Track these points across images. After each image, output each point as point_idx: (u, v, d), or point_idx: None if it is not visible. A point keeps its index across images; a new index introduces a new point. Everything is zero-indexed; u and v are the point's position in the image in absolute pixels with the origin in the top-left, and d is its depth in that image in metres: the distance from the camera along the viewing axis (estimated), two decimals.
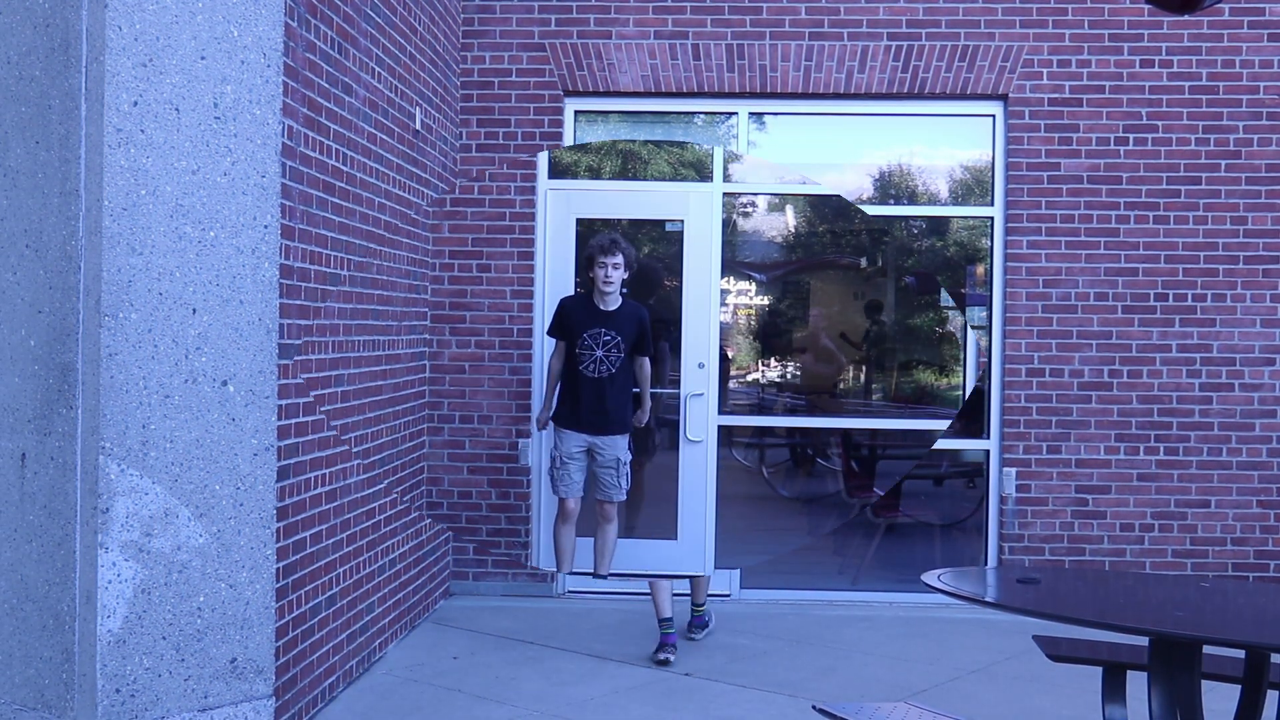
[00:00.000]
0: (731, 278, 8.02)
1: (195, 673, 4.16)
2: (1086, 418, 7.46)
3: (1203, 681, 3.82)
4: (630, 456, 6.67)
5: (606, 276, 6.44)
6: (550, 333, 6.83)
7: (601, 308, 6.54)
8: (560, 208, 7.67)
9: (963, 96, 7.56)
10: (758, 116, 7.79)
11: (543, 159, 7.66)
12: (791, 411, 8.25)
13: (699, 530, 7.63)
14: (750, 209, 8.18)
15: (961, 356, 7.67)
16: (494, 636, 6.61)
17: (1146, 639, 3.65)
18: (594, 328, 6.51)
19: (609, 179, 7.87)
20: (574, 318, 6.58)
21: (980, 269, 7.83)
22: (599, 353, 6.51)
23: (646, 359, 6.73)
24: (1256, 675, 3.89)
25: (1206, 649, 3.75)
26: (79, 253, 4.06)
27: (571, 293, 7.29)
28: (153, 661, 4.08)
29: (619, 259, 6.45)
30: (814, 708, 4.19)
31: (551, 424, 6.75)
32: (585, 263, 6.53)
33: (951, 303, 7.79)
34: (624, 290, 6.70)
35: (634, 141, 7.92)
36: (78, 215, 4.05)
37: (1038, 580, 4.18)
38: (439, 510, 7.58)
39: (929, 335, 8.10)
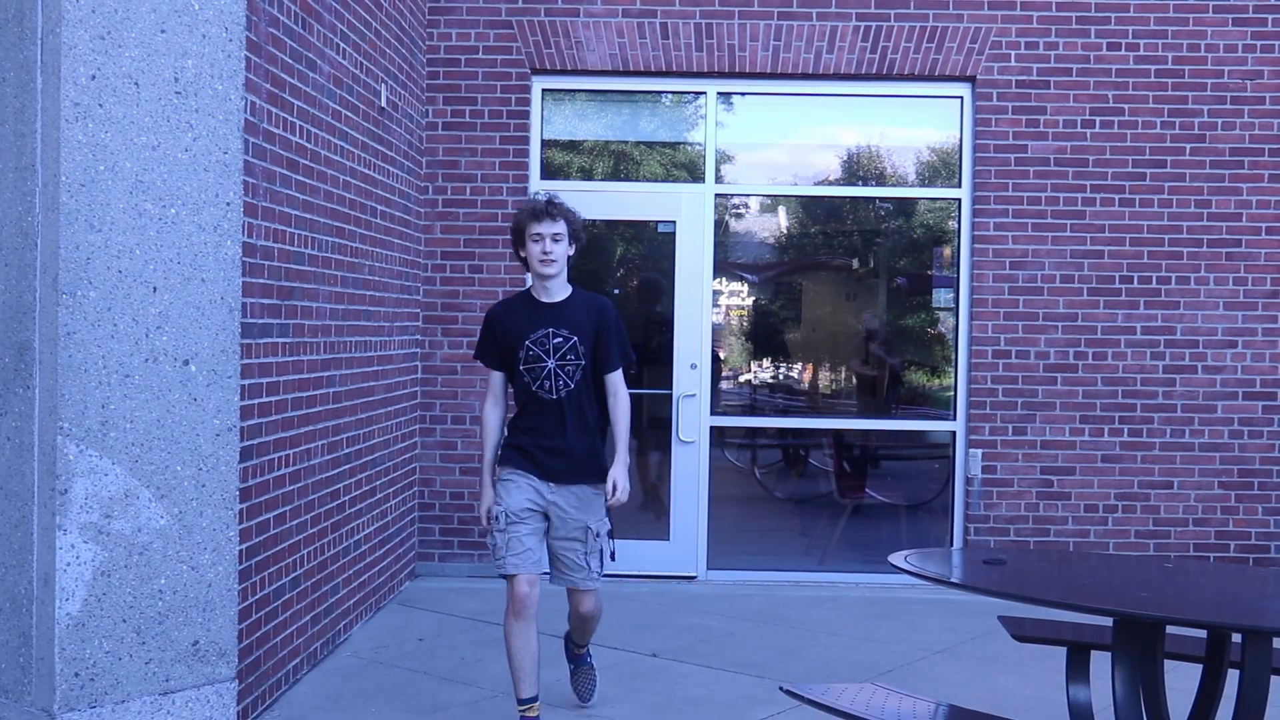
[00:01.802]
0: (723, 278, 8.00)
1: (156, 656, 4.11)
2: (1052, 400, 7.50)
3: (1165, 661, 3.85)
4: (609, 525, 4.71)
5: (545, 252, 4.58)
6: (479, 356, 4.83)
7: (545, 300, 4.68)
8: None
9: (931, 78, 7.56)
10: (726, 97, 7.77)
11: (534, 158, 7.62)
12: (784, 412, 8.25)
13: (691, 531, 7.63)
14: (742, 210, 8.15)
15: (954, 357, 7.70)
16: (460, 618, 6.58)
17: (1110, 619, 3.68)
18: (539, 329, 4.62)
19: (601, 180, 7.83)
20: (509, 324, 4.67)
21: (947, 251, 7.85)
22: (550, 363, 4.59)
23: (618, 374, 4.73)
24: (1217, 655, 3.92)
25: (1169, 629, 3.78)
26: (36, 229, 3.98)
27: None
28: (113, 645, 4.03)
29: (560, 227, 4.60)
30: (781, 689, 4.20)
31: (496, 468, 4.75)
32: (514, 238, 4.72)
33: (945, 303, 7.83)
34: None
35: (626, 142, 7.88)
36: (34, 191, 3.98)
37: (1003, 561, 4.20)
38: (431, 511, 7.54)
39: (920, 336, 8.11)
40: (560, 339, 4.61)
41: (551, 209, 4.60)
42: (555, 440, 4.61)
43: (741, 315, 8.36)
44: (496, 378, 4.77)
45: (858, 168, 8.02)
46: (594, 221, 7.71)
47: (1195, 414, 7.50)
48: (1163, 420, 7.50)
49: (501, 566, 4.57)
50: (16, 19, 4.01)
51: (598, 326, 4.65)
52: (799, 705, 4.69)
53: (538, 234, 4.59)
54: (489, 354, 4.75)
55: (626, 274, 8.20)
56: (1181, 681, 4.22)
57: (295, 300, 5.19)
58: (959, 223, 7.68)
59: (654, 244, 7.93)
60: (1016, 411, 7.51)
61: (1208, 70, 7.48)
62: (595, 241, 7.99)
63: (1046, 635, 4.40)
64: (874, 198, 8.06)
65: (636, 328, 7.97)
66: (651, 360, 7.59)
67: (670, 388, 7.64)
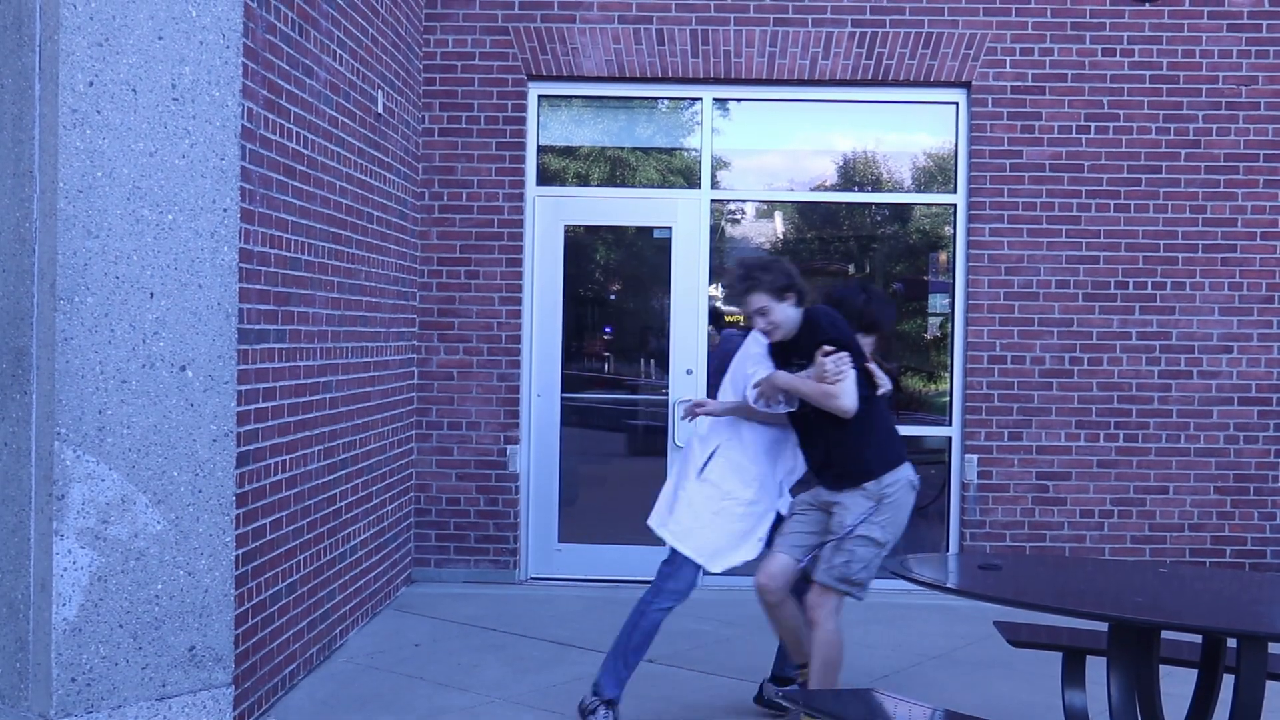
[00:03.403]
0: (719, 284, 8.01)
1: (153, 661, 4.11)
2: (1047, 404, 7.52)
3: (1160, 666, 3.86)
4: (868, 529, 4.57)
5: (762, 330, 4.72)
6: None
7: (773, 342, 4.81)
8: (548, 214, 7.65)
9: (926, 84, 7.58)
10: (722, 103, 7.78)
11: (531, 164, 7.63)
12: None
13: None
14: (738, 215, 8.16)
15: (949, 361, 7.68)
16: (456, 623, 6.58)
17: (1106, 624, 3.69)
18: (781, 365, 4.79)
19: (597, 185, 7.84)
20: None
21: (943, 256, 7.87)
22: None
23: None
24: (1212, 659, 3.93)
25: (1164, 634, 3.79)
26: (33, 235, 3.98)
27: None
28: (109, 650, 4.02)
29: (757, 303, 4.60)
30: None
31: None
32: None
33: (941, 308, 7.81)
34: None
35: (622, 148, 7.89)
36: (32, 197, 3.98)
37: (999, 566, 4.21)
38: (427, 516, 7.55)
39: (916, 341, 8.11)
40: (795, 367, 4.70)
41: (732, 290, 4.70)
42: (805, 451, 4.86)
43: (737, 321, 8.36)
44: None
45: (853, 173, 8.04)
46: (580, 227, 7.77)
47: (1191, 419, 7.52)
48: (1158, 425, 7.51)
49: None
50: (14, 25, 4.02)
51: (808, 343, 4.59)
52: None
53: (748, 314, 4.69)
54: None
55: (622, 280, 8.20)
56: (1177, 687, 4.23)
57: (292, 306, 5.20)
58: (954, 228, 7.70)
59: (650, 250, 7.94)
60: (1012, 417, 7.52)
61: (1202, 76, 7.51)
62: (590, 248, 8.01)
63: (1042, 640, 4.41)
64: (870, 203, 8.07)
65: (633, 332, 7.98)
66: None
67: (666, 393, 7.65)
